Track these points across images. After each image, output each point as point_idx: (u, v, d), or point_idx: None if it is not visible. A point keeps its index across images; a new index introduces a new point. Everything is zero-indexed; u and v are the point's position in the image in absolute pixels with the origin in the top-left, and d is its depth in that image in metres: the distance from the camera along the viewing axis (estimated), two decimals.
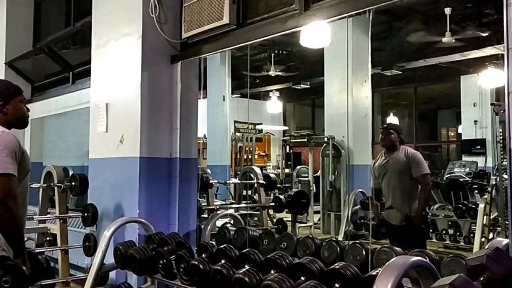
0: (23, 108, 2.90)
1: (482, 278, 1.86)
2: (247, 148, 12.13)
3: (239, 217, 5.00)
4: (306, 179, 9.61)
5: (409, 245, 3.93)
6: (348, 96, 8.63)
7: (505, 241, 2.58)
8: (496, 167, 8.23)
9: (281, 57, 11.16)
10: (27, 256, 2.68)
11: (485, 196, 6.38)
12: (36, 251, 4.57)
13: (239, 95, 12.38)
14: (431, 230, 7.51)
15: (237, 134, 12.62)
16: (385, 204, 4.89)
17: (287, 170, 13.32)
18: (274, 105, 13.75)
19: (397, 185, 4.66)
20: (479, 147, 11.35)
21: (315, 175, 9.39)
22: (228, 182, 8.58)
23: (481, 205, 6.25)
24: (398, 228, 4.66)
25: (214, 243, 3.76)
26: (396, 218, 4.68)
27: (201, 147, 10.90)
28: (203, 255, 3.38)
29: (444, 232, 7.73)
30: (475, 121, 11.80)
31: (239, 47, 4.09)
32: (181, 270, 3.30)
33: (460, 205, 7.60)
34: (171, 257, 3.42)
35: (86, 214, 4.56)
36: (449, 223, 7.88)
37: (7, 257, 2.55)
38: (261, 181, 6.49)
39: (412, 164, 4.58)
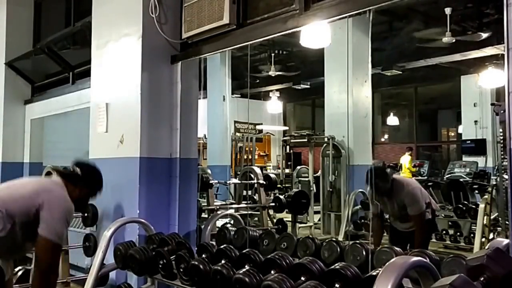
0: (87, 202, 3.19)
1: (482, 278, 1.86)
2: (247, 148, 12.13)
3: (239, 217, 5.00)
4: (306, 179, 9.61)
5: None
6: (348, 96, 8.62)
7: (506, 241, 2.58)
8: (496, 167, 8.23)
9: (281, 57, 11.17)
10: None
11: (486, 196, 6.38)
12: None
13: (239, 95, 12.38)
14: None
15: (237, 134, 12.63)
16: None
17: (287, 170, 13.32)
18: (274, 105, 13.75)
19: (399, 215, 4.65)
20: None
21: (315, 175, 9.39)
22: (228, 182, 8.58)
23: (482, 205, 6.25)
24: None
25: (214, 243, 3.76)
26: (401, 227, 4.74)
27: (201, 147, 10.91)
28: (203, 255, 3.38)
29: (444, 232, 7.73)
30: (476, 121, 11.81)
31: (239, 47, 4.08)
32: (181, 270, 3.30)
33: (460, 205, 7.60)
34: (171, 258, 3.42)
35: (86, 214, 4.55)
36: (450, 223, 7.88)
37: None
38: (261, 181, 6.49)
39: (408, 205, 4.49)
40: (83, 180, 2.98)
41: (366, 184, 4.78)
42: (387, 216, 5.03)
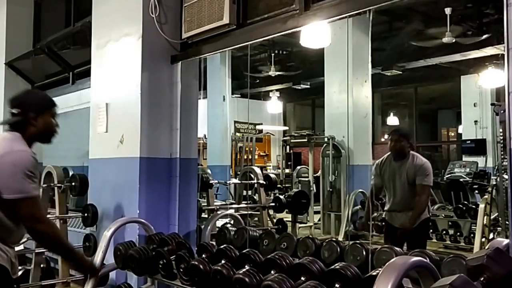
0: (53, 122, 2.79)
1: (482, 278, 1.86)
2: (247, 148, 12.13)
3: (239, 217, 5.00)
4: (306, 179, 9.62)
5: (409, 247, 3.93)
6: (348, 96, 8.63)
7: (506, 241, 2.58)
8: (496, 167, 8.22)
9: (281, 57, 11.16)
10: (79, 255, 2.93)
11: (486, 196, 6.39)
12: (37, 251, 4.58)
13: (239, 95, 12.38)
14: (431, 231, 7.51)
15: (237, 134, 12.62)
16: (387, 205, 4.89)
17: (287, 170, 13.32)
18: (274, 105, 13.75)
19: (403, 193, 4.61)
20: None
21: (315, 175, 9.39)
22: (228, 182, 8.58)
23: (482, 205, 6.25)
24: (399, 230, 4.67)
25: (214, 243, 3.76)
26: (399, 222, 4.70)
27: (201, 147, 10.91)
28: (203, 256, 3.38)
29: (444, 232, 7.73)
30: (476, 121, 11.80)
31: (239, 47, 4.08)
32: (181, 270, 3.30)
33: (460, 205, 7.60)
34: (171, 258, 3.42)
35: (86, 214, 4.56)
36: (449, 223, 7.88)
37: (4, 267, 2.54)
38: (261, 181, 6.49)
39: (418, 174, 4.49)
40: (27, 113, 2.63)
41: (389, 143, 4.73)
42: (384, 215, 5.02)
